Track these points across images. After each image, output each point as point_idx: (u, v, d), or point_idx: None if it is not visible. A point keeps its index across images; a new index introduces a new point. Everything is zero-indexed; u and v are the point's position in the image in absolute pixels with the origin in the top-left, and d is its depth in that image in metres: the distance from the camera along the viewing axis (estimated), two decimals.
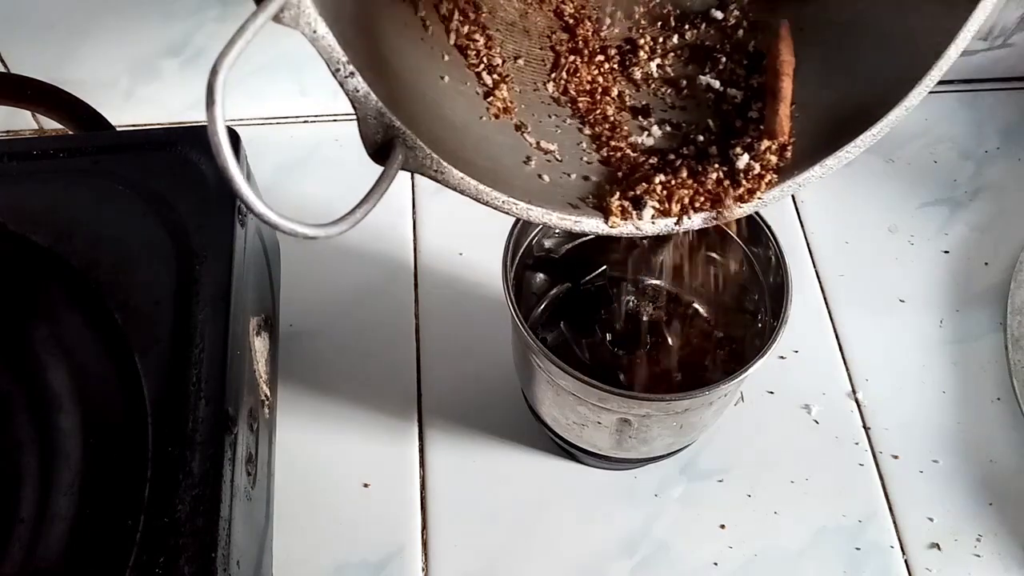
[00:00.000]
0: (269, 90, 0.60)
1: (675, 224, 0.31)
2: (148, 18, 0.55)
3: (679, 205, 0.31)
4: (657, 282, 0.47)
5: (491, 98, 0.33)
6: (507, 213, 0.29)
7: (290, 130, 0.61)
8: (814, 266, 0.56)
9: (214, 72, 0.21)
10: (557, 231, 0.44)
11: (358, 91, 0.25)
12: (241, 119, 0.60)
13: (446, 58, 0.33)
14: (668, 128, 0.35)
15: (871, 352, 0.52)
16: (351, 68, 0.25)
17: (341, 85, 0.25)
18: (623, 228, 0.31)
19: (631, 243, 0.45)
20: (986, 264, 0.56)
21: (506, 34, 0.35)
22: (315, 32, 0.24)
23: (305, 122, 0.62)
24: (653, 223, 0.31)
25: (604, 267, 0.47)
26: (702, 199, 0.31)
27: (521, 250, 0.42)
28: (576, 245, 0.46)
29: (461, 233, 0.56)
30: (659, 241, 0.45)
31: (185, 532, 0.33)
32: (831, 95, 0.32)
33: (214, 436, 0.35)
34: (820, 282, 0.55)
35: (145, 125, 0.61)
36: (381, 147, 0.27)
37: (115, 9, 0.55)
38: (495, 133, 0.33)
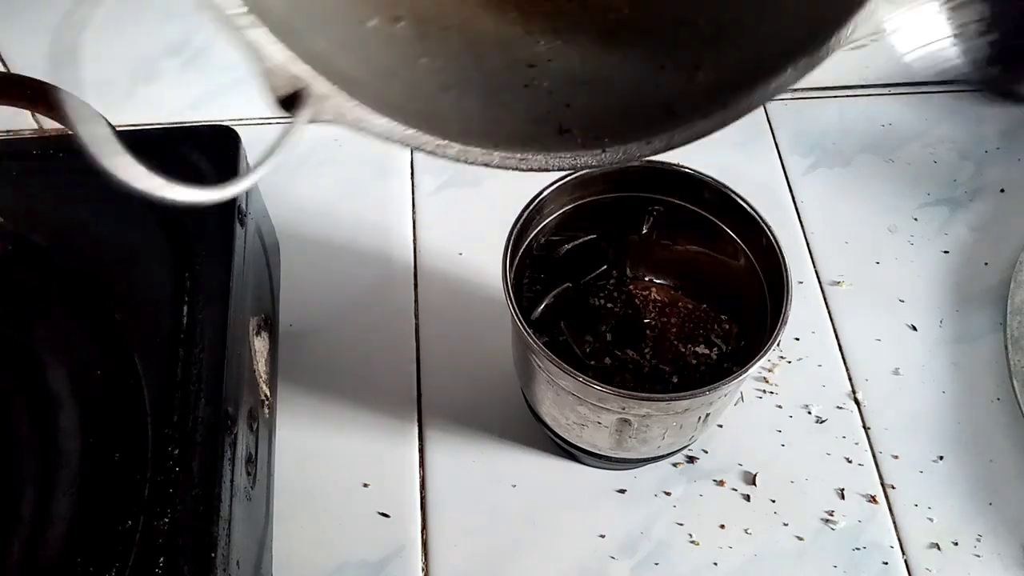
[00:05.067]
0: None
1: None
2: (148, 18, 0.55)
3: None
4: (658, 281, 0.47)
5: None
6: (440, 156, 0.27)
7: None
8: (814, 266, 0.56)
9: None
10: (557, 234, 0.44)
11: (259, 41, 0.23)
12: (241, 119, 0.60)
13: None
14: None
15: (871, 352, 0.52)
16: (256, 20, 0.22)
17: (238, 37, 0.23)
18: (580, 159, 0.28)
19: (631, 240, 0.45)
20: (986, 264, 0.56)
21: None
22: None
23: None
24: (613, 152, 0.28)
25: (604, 267, 0.47)
26: None
27: (521, 250, 0.42)
28: (576, 245, 0.46)
29: (461, 233, 0.56)
30: (661, 240, 0.45)
31: (185, 532, 0.33)
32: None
33: (214, 436, 0.35)
34: (820, 282, 0.55)
35: (145, 125, 0.61)
36: (287, 97, 0.24)
37: (115, 9, 0.55)
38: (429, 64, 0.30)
